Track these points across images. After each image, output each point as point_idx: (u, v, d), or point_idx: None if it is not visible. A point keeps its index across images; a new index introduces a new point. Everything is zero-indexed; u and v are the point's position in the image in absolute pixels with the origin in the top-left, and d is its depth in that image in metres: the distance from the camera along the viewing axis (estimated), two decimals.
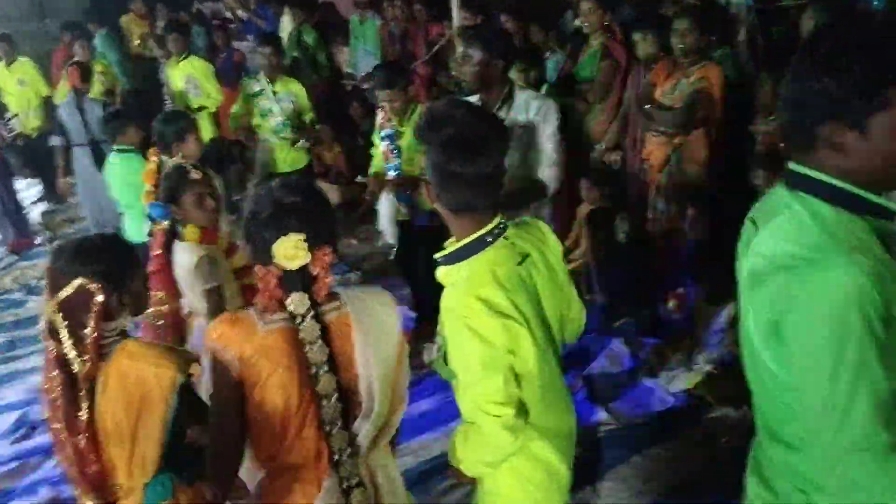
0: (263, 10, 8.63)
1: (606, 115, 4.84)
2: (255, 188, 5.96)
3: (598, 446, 3.53)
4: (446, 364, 1.89)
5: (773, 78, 4.15)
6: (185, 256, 2.98)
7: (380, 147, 4.24)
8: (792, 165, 1.43)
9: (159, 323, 3.02)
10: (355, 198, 6.42)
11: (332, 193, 6.73)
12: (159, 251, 3.04)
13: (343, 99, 7.56)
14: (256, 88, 5.37)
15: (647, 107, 4.45)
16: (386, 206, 4.43)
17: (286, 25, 7.98)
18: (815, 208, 1.37)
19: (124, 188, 4.61)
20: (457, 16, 6.58)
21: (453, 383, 1.91)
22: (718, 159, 4.34)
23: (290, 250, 1.78)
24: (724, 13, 4.94)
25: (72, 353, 1.98)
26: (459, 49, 3.24)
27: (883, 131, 1.30)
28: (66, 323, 1.98)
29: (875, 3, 4.49)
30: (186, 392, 2.03)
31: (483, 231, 1.85)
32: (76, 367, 1.98)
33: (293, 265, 1.80)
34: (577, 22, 6.15)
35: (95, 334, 1.99)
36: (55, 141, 6.23)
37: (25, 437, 4.19)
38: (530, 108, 3.21)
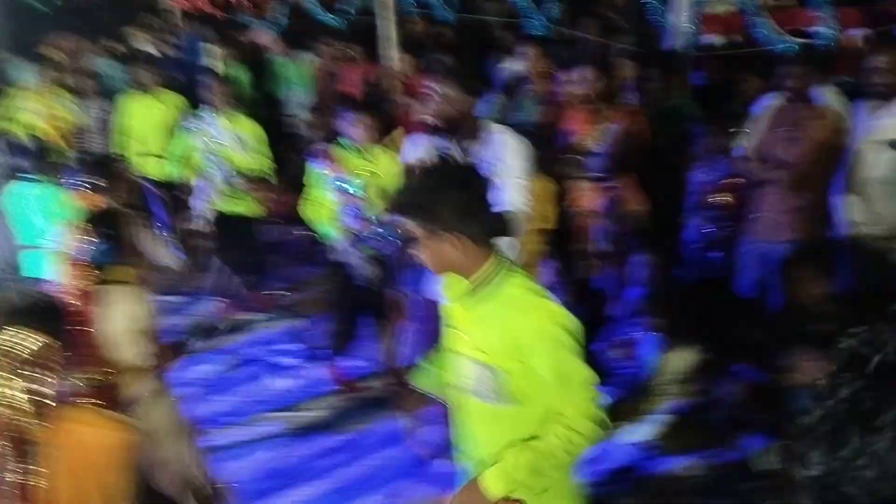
0: (190, 44, 8.39)
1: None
2: None
3: None
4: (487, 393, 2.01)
5: (713, 128, 4.24)
6: (129, 300, 2.87)
7: (331, 196, 4.24)
8: None
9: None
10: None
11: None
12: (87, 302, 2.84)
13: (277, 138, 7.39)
14: (203, 127, 5.20)
15: (571, 155, 4.47)
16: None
17: (214, 62, 7.77)
18: None
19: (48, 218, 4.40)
20: (395, 56, 6.59)
21: (500, 409, 2.03)
22: (656, 207, 4.41)
23: None
24: (668, 62, 5.04)
25: (28, 418, 1.84)
26: (437, 89, 3.28)
27: None
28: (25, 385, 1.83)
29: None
30: None
31: (497, 254, 2.04)
32: (31, 434, 1.84)
33: None
34: (512, 66, 6.23)
35: (55, 394, 1.86)
36: None
37: None
38: (501, 145, 3.29)
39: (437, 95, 3.23)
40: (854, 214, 3.78)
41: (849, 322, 3.36)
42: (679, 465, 3.55)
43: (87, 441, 1.89)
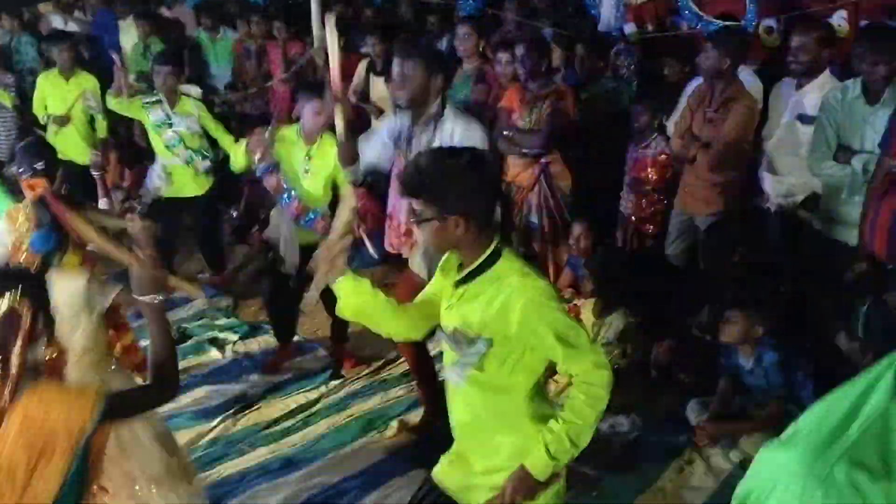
0: (104, 19, 8.08)
1: None
2: None
3: None
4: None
5: (651, 108, 4.45)
6: (67, 284, 2.72)
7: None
8: None
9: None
10: None
11: None
12: None
13: None
14: (152, 100, 5.10)
15: (505, 132, 4.61)
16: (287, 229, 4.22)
17: (129, 38, 7.53)
18: None
19: None
20: (318, 35, 6.53)
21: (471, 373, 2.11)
22: (591, 182, 4.60)
23: None
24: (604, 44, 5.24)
25: None
26: (395, 67, 3.14)
27: None
28: None
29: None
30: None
31: (497, 237, 2.09)
32: None
33: None
34: (446, 47, 6.30)
35: (21, 362, 1.80)
36: None
37: None
38: (455, 135, 3.17)
39: (398, 75, 3.12)
40: (771, 187, 4.06)
41: (765, 285, 3.61)
42: (616, 421, 3.71)
43: (48, 417, 1.82)
